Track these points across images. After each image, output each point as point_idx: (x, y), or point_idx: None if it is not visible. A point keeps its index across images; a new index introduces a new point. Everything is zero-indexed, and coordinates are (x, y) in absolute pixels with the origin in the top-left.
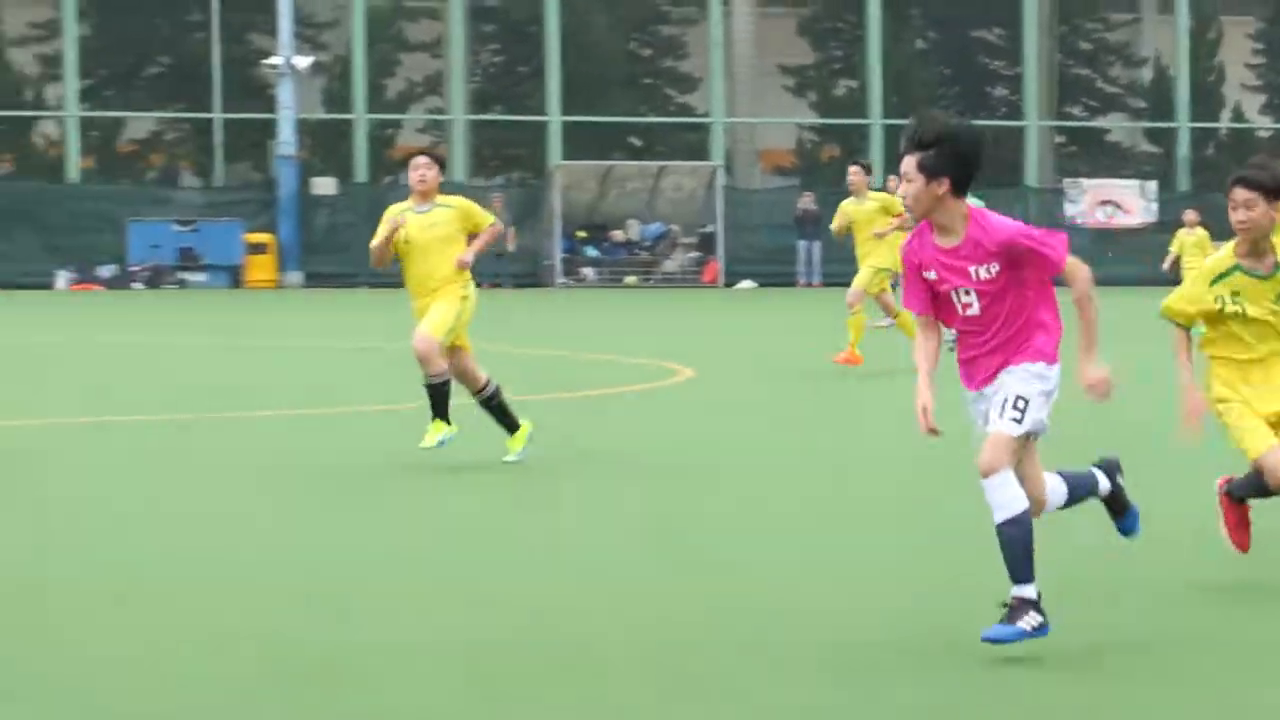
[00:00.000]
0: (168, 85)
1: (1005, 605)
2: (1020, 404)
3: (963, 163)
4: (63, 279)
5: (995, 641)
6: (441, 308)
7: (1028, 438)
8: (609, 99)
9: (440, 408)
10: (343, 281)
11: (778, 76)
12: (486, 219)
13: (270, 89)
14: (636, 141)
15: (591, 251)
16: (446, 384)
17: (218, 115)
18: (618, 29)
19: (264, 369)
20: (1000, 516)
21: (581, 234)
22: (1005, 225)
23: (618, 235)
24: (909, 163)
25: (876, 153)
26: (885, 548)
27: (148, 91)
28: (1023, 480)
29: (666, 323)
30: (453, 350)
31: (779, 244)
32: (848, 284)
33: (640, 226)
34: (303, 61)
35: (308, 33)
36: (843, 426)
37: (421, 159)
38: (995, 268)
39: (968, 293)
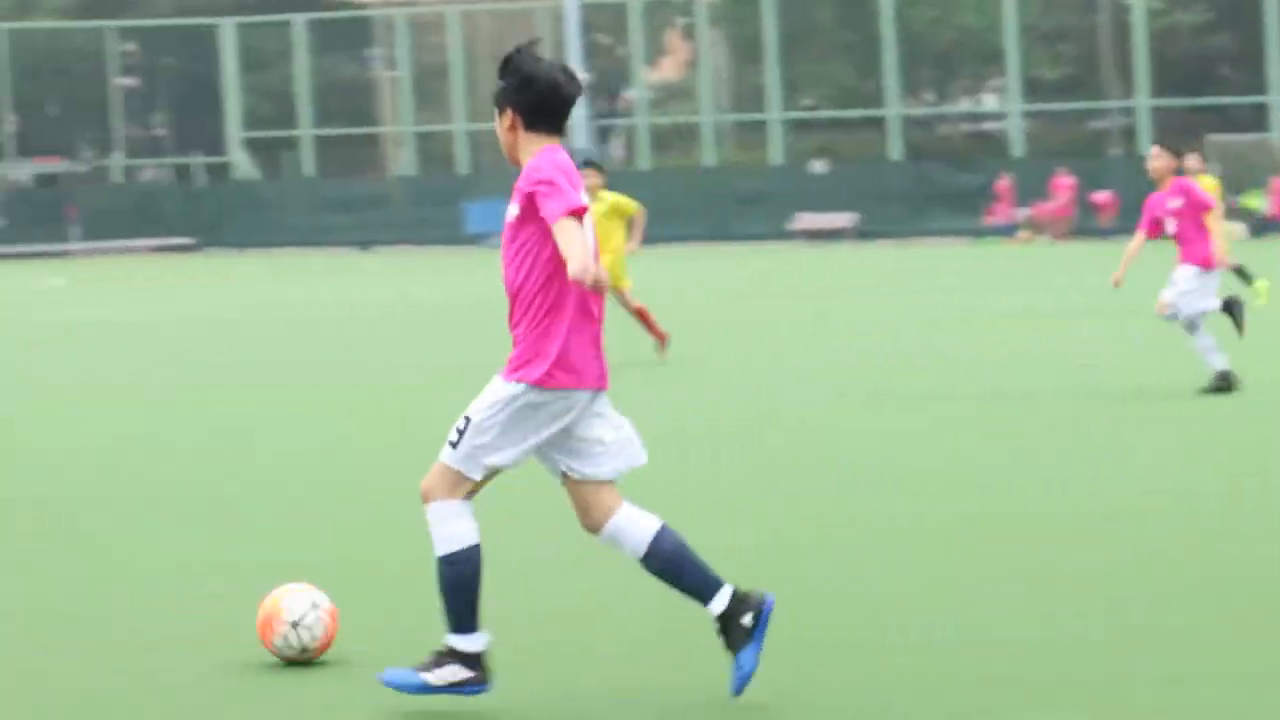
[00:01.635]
0: None
1: (436, 652)
2: (461, 424)
3: (526, 95)
4: None
5: (388, 684)
6: None
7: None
8: None
9: None
10: None
11: None
12: None
13: None
14: None
15: None
16: None
17: None
18: None
19: None
20: (440, 550)
21: None
22: (538, 165)
23: None
24: None
25: None
26: None
27: None
28: (588, 506)
29: None
30: None
31: None
32: None
33: None
34: None
35: None
36: None
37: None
38: (515, 210)
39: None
